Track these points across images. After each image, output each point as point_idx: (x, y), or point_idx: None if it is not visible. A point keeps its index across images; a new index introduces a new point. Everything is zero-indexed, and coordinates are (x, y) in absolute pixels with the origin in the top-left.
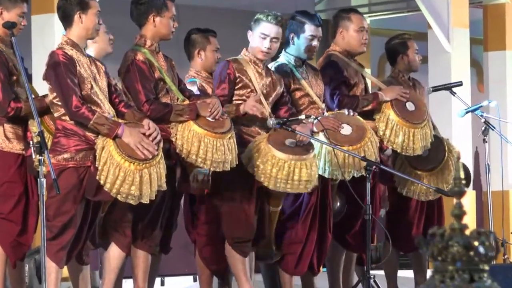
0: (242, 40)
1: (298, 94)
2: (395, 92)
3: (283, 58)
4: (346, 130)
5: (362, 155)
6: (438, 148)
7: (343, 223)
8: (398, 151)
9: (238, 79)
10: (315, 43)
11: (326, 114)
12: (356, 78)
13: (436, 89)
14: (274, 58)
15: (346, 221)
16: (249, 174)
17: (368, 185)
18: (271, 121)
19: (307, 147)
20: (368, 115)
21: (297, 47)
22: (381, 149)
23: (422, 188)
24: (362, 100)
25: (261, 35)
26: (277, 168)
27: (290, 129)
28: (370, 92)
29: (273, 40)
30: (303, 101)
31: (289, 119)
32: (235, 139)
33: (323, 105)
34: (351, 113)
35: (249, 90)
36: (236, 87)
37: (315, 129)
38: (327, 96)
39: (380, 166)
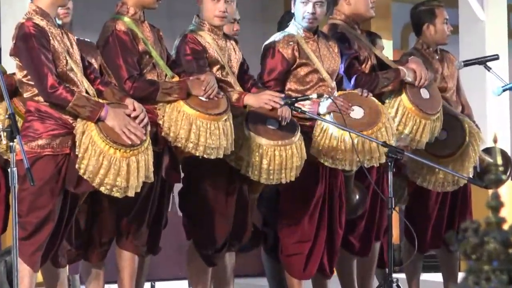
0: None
1: (304, 69)
2: (419, 69)
3: (292, 28)
4: (357, 113)
5: (366, 143)
6: (456, 131)
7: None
8: (402, 143)
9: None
10: (309, 9)
11: (336, 94)
12: (365, 53)
13: (468, 63)
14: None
15: (349, 220)
16: (228, 164)
17: (390, 175)
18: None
19: (292, 126)
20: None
21: (296, 14)
22: None
23: (439, 177)
24: (383, 78)
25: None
26: (268, 159)
27: (300, 110)
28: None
29: (317, 4)
30: (311, 78)
31: (298, 98)
32: (231, 122)
33: (333, 84)
34: (365, 94)
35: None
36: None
37: (321, 111)
38: (340, 74)
39: (405, 153)
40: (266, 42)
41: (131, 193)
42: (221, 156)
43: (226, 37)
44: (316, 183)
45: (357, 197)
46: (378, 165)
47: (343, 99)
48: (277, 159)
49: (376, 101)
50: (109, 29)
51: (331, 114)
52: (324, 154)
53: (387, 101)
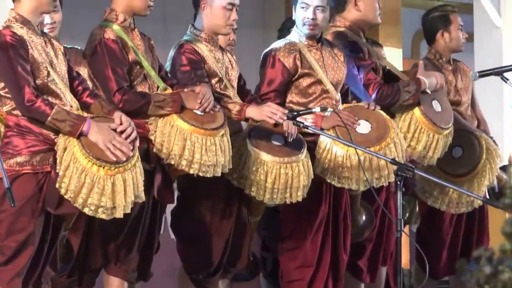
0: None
1: (307, 80)
2: (433, 83)
3: (294, 35)
4: (364, 127)
5: (375, 160)
6: (472, 148)
7: (351, 246)
8: (414, 158)
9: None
10: (309, 14)
11: (340, 107)
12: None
13: (483, 74)
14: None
15: (356, 242)
16: (227, 183)
17: (399, 195)
18: None
19: (298, 142)
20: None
21: (296, 20)
22: None
23: (453, 197)
24: (404, 91)
25: (303, 4)
26: (273, 177)
27: (302, 124)
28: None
29: (318, 9)
30: (313, 89)
31: (301, 111)
32: (229, 137)
33: (338, 96)
34: (372, 107)
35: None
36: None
37: (324, 126)
38: (359, 86)
39: (415, 171)
40: (266, 50)
41: (119, 214)
42: (219, 174)
43: (222, 49)
44: (319, 203)
45: (364, 218)
46: (387, 184)
47: (349, 113)
48: (282, 178)
49: (384, 114)
50: (96, 37)
51: (336, 129)
52: (330, 172)
53: (397, 114)
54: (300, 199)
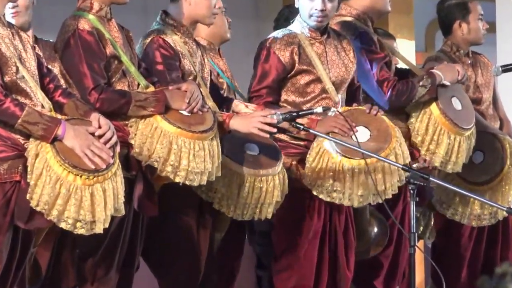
0: None
1: (305, 78)
2: (455, 74)
3: (296, 25)
4: (362, 135)
5: (380, 170)
6: (495, 152)
7: (365, 263)
8: (436, 164)
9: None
10: (317, 4)
11: (339, 109)
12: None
13: (507, 68)
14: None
15: (371, 259)
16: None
17: (413, 206)
18: (275, 116)
19: (273, 152)
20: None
21: (301, 11)
22: (411, 158)
23: (474, 208)
24: (420, 86)
25: None
26: (246, 191)
27: (302, 127)
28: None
29: None
30: (312, 88)
31: (300, 112)
32: (218, 141)
33: (338, 97)
34: (374, 111)
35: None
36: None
37: (317, 130)
38: (371, 83)
39: (430, 178)
40: (262, 41)
41: (99, 229)
42: (204, 183)
43: (196, 42)
44: (310, 216)
45: (375, 230)
46: (389, 196)
47: (348, 117)
48: (256, 192)
49: (387, 121)
50: (69, 29)
51: (330, 136)
52: (318, 184)
53: (413, 114)
54: (269, 216)
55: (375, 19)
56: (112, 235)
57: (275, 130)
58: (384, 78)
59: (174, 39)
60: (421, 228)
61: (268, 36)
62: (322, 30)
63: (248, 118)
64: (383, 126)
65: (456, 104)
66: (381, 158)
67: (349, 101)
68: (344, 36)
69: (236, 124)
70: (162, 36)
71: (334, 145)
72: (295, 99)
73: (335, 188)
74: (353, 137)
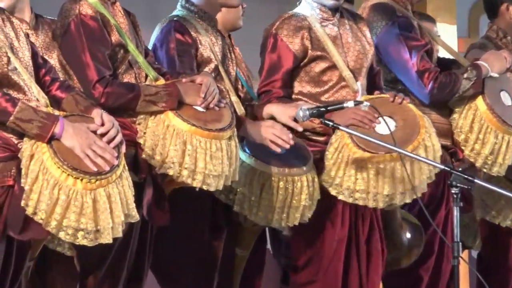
0: None
1: (321, 65)
2: (503, 63)
3: (304, 7)
4: (385, 127)
5: (408, 167)
6: None
7: (402, 276)
8: (478, 165)
9: None
10: None
11: (359, 97)
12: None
13: None
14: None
15: (408, 271)
16: (214, 201)
17: (457, 212)
18: (301, 112)
19: (301, 151)
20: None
21: None
22: (454, 158)
23: None
24: (464, 79)
25: None
26: (270, 191)
27: (332, 124)
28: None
29: None
30: (329, 76)
31: (329, 107)
32: (237, 141)
33: (357, 85)
34: (399, 100)
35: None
36: None
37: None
38: (410, 74)
39: (475, 181)
40: (265, 28)
41: (105, 239)
42: (221, 188)
43: (220, 32)
44: (333, 223)
45: (409, 236)
46: (419, 195)
47: (372, 105)
48: (281, 193)
49: (414, 109)
50: (70, 13)
51: (350, 128)
52: (338, 184)
53: (457, 110)
54: (296, 222)
55: (414, 0)
56: (118, 247)
57: (287, 146)
58: (425, 69)
59: (195, 26)
60: (467, 237)
61: (273, 21)
62: (334, 10)
63: (263, 127)
64: (410, 115)
65: (506, 98)
66: (408, 153)
67: (369, 89)
68: (358, 15)
69: (250, 130)
70: (180, 21)
71: (355, 138)
72: (311, 89)
73: (357, 188)
74: (377, 127)
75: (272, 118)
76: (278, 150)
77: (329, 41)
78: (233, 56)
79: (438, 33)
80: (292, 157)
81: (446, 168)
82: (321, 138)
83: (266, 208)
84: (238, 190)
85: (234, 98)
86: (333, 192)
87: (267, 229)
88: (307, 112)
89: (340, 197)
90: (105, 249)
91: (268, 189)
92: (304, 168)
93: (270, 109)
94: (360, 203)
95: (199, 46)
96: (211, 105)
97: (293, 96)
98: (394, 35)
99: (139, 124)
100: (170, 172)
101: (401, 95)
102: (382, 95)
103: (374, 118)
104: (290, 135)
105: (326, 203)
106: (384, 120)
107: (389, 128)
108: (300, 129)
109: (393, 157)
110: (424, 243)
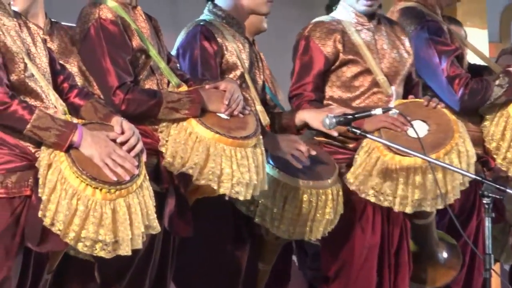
0: None
1: (352, 69)
2: None
3: (340, 12)
4: (418, 130)
5: (440, 172)
6: None
7: None
8: (510, 174)
9: None
10: None
11: (392, 103)
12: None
13: None
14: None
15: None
16: (236, 212)
17: (489, 223)
18: (327, 120)
19: (326, 164)
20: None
21: None
22: (485, 167)
23: None
24: (496, 86)
25: None
26: (293, 204)
27: (359, 132)
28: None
29: None
30: (361, 81)
31: (356, 114)
32: (263, 149)
33: (391, 90)
34: (433, 104)
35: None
36: None
37: (367, 128)
38: (440, 80)
39: (507, 191)
40: (299, 32)
41: (124, 251)
42: (249, 197)
43: (247, 38)
44: (363, 230)
45: (446, 256)
46: (451, 201)
47: (403, 111)
48: (304, 206)
49: (448, 114)
50: (89, 18)
51: (381, 131)
52: (364, 184)
53: (488, 117)
54: (319, 236)
55: (444, 4)
56: (140, 259)
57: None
58: (455, 75)
59: (222, 31)
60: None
61: (307, 24)
62: (370, 16)
63: (286, 141)
64: (444, 119)
65: None
66: (433, 160)
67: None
68: (397, 23)
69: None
70: (207, 27)
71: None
72: (342, 94)
73: (385, 191)
74: (409, 131)
75: (306, 124)
76: (300, 166)
77: (364, 45)
78: (260, 64)
79: (466, 37)
80: (317, 169)
81: (478, 177)
82: (351, 145)
83: (289, 221)
84: (260, 201)
85: (259, 108)
86: (355, 188)
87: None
88: (334, 120)
89: (368, 197)
90: (126, 261)
91: (291, 201)
92: (329, 181)
93: (303, 115)
94: (385, 204)
95: (225, 52)
96: (236, 112)
97: (324, 102)
98: (424, 40)
99: (161, 132)
100: (190, 172)
101: (435, 100)
102: (416, 99)
103: (406, 121)
104: (314, 152)
105: (355, 208)
106: (412, 126)
107: (417, 133)
108: (335, 134)
109: (425, 161)
110: (461, 264)
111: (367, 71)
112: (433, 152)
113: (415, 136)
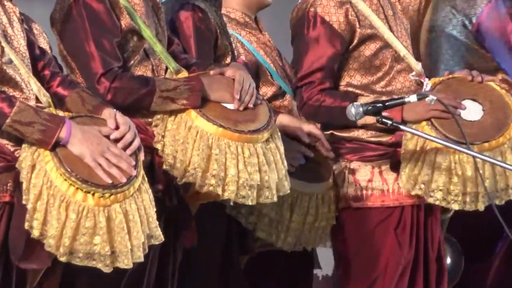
0: None
1: (371, 46)
2: None
3: None
4: (471, 112)
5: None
6: None
7: None
8: None
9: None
10: None
11: (426, 82)
12: None
13: None
14: None
15: None
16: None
17: None
18: (353, 109)
19: (325, 165)
20: None
21: None
22: None
23: None
24: None
25: None
26: (301, 212)
27: (391, 122)
28: None
29: None
30: (382, 58)
31: (387, 102)
32: (279, 144)
33: (419, 66)
34: (478, 78)
35: None
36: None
37: (408, 118)
38: (503, 54)
39: None
40: (299, 6)
41: (123, 263)
42: (267, 201)
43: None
44: (400, 244)
45: (449, 260)
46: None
47: (446, 92)
48: (311, 212)
49: (496, 87)
50: None
51: (432, 122)
52: (427, 183)
53: None
54: (317, 245)
55: None
56: (131, 273)
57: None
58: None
59: (210, 12)
60: None
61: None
62: None
63: (298, 126)
64: (495, 95)
65: None
66: (479, 155)
67: None
68: None
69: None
70: (196, 4)
71: (438, 126)
72: (362, 79)
73: (453, 190)
74: (462, 114)
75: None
76: (332, 155)
77: (375, 16)
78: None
79: None
80: (318, 168)
81: None
82: (385, 139)
83: (296, 233)
84: (262, 212)
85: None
86: (428, 199)
87: (315, 252)
88: (361, 109)
89: (414, 192)
90: (117, 275)
91: (299, 209)
92: (330, 180)
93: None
94: (432, 201)
95: (219, 35)
96: (250, 105)
97: (342, 89)
98: (501, 14)
99: (155, 126)
100: (190, 180)
101: (478, 73)
102: (456, 75)
103: (459, 104)
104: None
105: (388, 219)
106: (455, 119)
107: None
108: (311, 155)
109: (485, 148)
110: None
111: (386, 46)
112: (499, 134)
113: (471, 119)
